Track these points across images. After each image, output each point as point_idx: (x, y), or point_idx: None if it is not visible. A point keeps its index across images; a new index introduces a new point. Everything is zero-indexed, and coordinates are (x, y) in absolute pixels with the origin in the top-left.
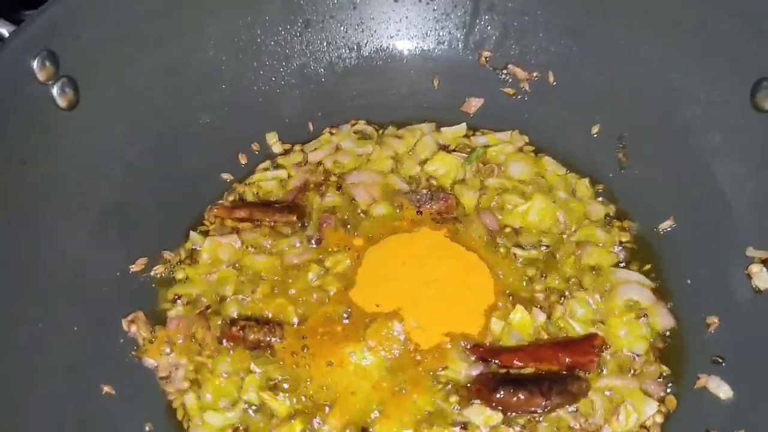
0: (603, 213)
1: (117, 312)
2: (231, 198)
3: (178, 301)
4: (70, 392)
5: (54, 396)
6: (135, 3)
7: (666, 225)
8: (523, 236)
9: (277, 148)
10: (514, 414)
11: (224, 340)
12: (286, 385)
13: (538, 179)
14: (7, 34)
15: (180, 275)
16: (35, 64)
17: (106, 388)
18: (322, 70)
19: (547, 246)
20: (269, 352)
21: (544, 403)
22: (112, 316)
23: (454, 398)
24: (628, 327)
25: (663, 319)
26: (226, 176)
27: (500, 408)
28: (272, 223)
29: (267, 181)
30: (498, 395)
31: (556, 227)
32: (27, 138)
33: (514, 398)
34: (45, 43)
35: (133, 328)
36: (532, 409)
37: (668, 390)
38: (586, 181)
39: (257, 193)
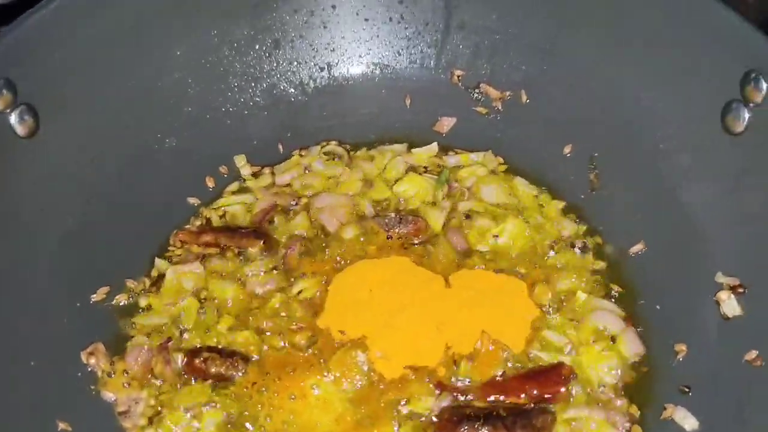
0: (576, 237)
1: (76, 344)
2: (198, 222)
3: (138, 332)
4: (25, 429)
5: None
6: (95, 27)
7: (637, 248)
8: (496, 261)
9: (245, 170)
10: None
11: (185, 373)
12: (247, 423)
13: (511, 201)
14: None
15: (143, 303)
16: None
17: (62, 425)
18: (292, 90)
19: (521, 273)
20: (231, 386)
21: None
22: (70, 348)
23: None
24: (598, 356)
25: (631, 346)
26: (193, 200)
27: None
28: (238, 250)
29: (233, 206)
30: (461, 430)
31: (529, 251)
32: None
33: None
34: (2, 71)
35: (93, 361)
36: None
37: (633, 421)
38: (558, 203)
39: (223, 216)
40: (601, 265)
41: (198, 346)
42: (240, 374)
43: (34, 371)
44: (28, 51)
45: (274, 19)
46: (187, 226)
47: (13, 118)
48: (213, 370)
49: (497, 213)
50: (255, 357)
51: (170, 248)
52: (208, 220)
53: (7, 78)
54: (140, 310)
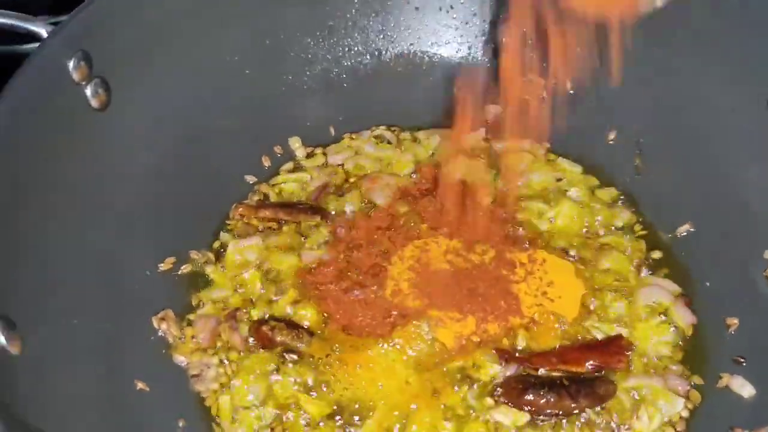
0: (626, 218)
1: (147, 310)
2: (255, 198)
3: (206, 303)
4: (105, 388)
5: (88, 392)
6: (162, 7)
7: (684, 229)
8: (550, 241)
9: (300, 152)
10: (542, 416)
11: (252, 340)
12: (314, 390)
13: (561, 184)
14: (45, 35)
15: (209, 271)
16: (71, 64)
17: (140, 385)
18: (344, 75)
19: (574, 256)
20: (296, 356)
21: (572, 405)
22: (142, 314)
23: (482, 399)
24: (653, 329)
25: (684, 317)
26: (250, 178)
27: (528, 410)
28: (296, 224)
29: (289, 183)
30: (527, 397)
31: (582, 232)
32: (61, 136)
33: (543, 400)
34: (80, 44)
35: (164, 326)
36: (560, 411)
37: (692, 386)
38: (611, 191)
39: (280, 193)
40: (649, 244)
41: (265, 317)
42: (304, 345)
43: (110, 334)
44: (103, 26)
45: (329, 5)
46: (246, 201)
47: (89, 91)
48: (279, 338)
49: (549, 196)
50: (320, 328)
51: (230, 222)
52: (266, 196)
53: (84, 50)
54: (206, 282)
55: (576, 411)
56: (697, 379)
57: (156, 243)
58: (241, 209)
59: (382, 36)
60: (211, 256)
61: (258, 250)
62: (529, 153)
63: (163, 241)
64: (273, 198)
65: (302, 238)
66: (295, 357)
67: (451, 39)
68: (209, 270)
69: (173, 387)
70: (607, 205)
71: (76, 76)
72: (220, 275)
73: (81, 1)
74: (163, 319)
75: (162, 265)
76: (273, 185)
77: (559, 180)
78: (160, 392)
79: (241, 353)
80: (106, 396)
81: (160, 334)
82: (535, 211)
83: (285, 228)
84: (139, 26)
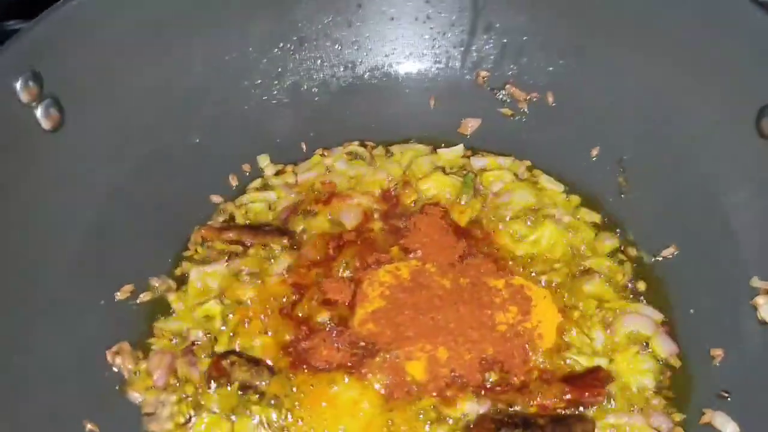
0: (611, 242)
1: (101, 343)
2: (221, 219)
3: (162, 337)
4: (52, 430)
5: None
6: (120, 21)
7: (668, 252)
8: (530, 266)
9: (269, 170)
10: None
11: (212, 377)
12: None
13: (542, 204)
14: None
15: (171, 299)
16: (18, 84)
17: (89, 426)
18: (316, 89)
19: (554, 282)
20: (257, 395)
21: None
22: (95, 347)
23: None
24: (634, 360)
25: (665, 347)
26: (216, 198)
27: None
28: (263, 247)
29: (256, 203)
30: None
31: (565, 256)
32: (9, 161)
33: None
34: (29, 64)
35: (118, 360)
36: None
37: (674, 423)
38: (594, 215)
39: (246, 213)
40: (632, 268)
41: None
42: (264, 383)
43: (59, 371)
44: (54, 45)
45: (298, 16)
46: (210, 222)
47: (39, 112)
48: (237, 374)
49: (531, 218)
50: (281, 366)
51: (192, 246)
52: (232, 216)
53: (33, 70)
54: (166, 309)
55: None
56: (679, 416)
57: (113, 270)
58: (203, 232)
59: (355, 48)
60: (172, 283)
61: (221, 277)
62: (510, 170)
63: (120, 268)
64: (239, 218)
65: (268, 262)
66: (255, 397)
67: (427, 50)
68: (171, 298)
69: (125, 427)
70: (591, 228)
71: (24, 98)
72: (182, 304)
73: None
74: (117, 352)
75: (119, 293)
76: (239, 205)
77: (541, 201)
78: None
79: (200, 390)
80: None
81: (114, 369)
82: (515, 234)
83: (251, 251)
84: (94, 43)
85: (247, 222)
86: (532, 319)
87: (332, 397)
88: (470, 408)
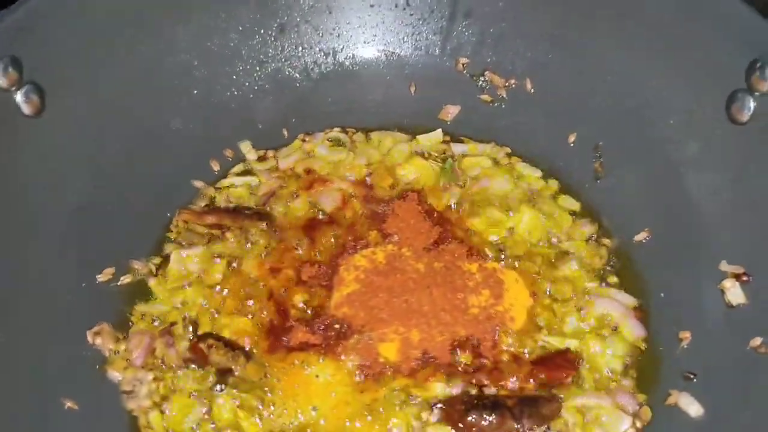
0: (587, 228)
1: (82, 324)
2: (202, 203)
3: (142, 320)
4: (31, 407)
5: (14, 411)
6: (100, 7)
7: (641, 237)
8: (508, 250)
9: (251, 155)
10: None
11: (189, 359)
12: (251, 412)
13: (520, 189)
14: None
15: (151, 283)
16: None
17: (69, 403)
18: (297, 75)
19: (530, 267)
20: (231, 377)
21: (515, 426)
22: (76, 327)
23: (425, 416)
24: (603, 342)
25: (634, 330)
26: (198, 183)
27: None
28: (241, 231)
29: (237, 187)
30: (469, 419)
31: (540, 240)
32: None
33: (485, 422)
34: (7, 49)
35: (99, 340)
36: None
37: (641, 404)
38: (570, 197)
39: (228, 197)
40: (605, 253)
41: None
42: (239, 368)
43: (39, 349)
44: (33, 29)
45: (279, 3)
46: (191, 206)
47: (19, 97)
48: (214, 357)
49: (509, 204)
50: (258, 348)
51: (173, 229)
52: (213, 201)
53: (12, 56)
54: (146, 292)
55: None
56: (644, 397)
57: (95, 253)
58: (185, 214)
59: (336, 35)
60: (153, 266)
61: (201, 260)
62: (489, 156)
63: (102, 251)
64: (220, 202)
65: (247, 245)
66: (231, 380)
67: (408, 37)
68: (151, 282)
69: (104, 406)
70: (569, 214)
71: (3, 83)
72: (161, 288)
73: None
74: (98, 333)
75: (100, 276)
76: (220, 189)
77: (519, 187)
78: (90, 411)
79: (177, 371)
80: (33, 418)
81: (94, 348)
82: (493, 219)
83: (229, 235)
84: (75, 27)
85: (228, 206)
86: (504, 302)
87: (306, 379)
88: (441, 390)
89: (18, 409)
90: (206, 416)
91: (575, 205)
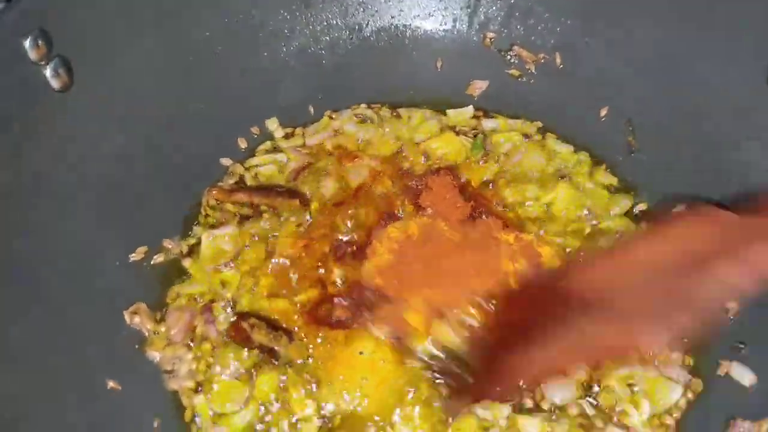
0: (625, 204)
1: (118, 303)
2: (231, 181)
3: (180, 298)
4: (75, 388)
5: (58, 392)
6: None
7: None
8: (544, 226)
9: (278, 133)
10: None
11: (231, 337)
12: (296, 390)
13: (553, 165)
14: None
15: (186, 264)
16: (27, 43)
17: (111, 383)
18: (323, 51)
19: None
20: (275, 358)
21: None
22: (113, 308)
23: None
24: None
25: None
26: (226, 161)
27: None
28: (273, 209)
29: (266, 165)
30: None
31: (577, 218)
32: (20, 119)
33: None
34: (38, 22)
35: (136, 320)
36: None
37: (692, 375)
38: (606, 172)
39: (256, 176)
40: (643, 228)
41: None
42: (281, 348)
43: (78, 330)
44: (62, 2)
45: None
46: (220, 184)
47: (48, 71)
48: (256, 337)
49: (544, 180)
50: (296, 327)
51: (203, 209)
52: (242, 179)
53: (42, 28)
54: (180, 272)
55: None
56: (695, 368)
57: (126, 231)
58: (215, 192)
59: (362, 9)
60: (185, 246)
61: (233, 239)
62: (520, 132)
63: (133, 230)
64: (249, 181)
65: (279, 223)
66: (274, 361)
67: (434, 11)
68: (186, 263)
69: (147, 385)
70: (605, 190)
71: (33, 56)
72: (197, 268)
73: None
74: (135, 312)
75: (133, 255)
76: (249, 167)
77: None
78: (133, 391)
79: (215, 348)
80: (75, 397)
81: (132, 328)
82: (529, 195)
83: (261, 213)
84: (102, 3)
85: (258, 184)
86: None
87: (349, 355)
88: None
89: (62, 390)
90: (250, 396)
91: (612, 180)
